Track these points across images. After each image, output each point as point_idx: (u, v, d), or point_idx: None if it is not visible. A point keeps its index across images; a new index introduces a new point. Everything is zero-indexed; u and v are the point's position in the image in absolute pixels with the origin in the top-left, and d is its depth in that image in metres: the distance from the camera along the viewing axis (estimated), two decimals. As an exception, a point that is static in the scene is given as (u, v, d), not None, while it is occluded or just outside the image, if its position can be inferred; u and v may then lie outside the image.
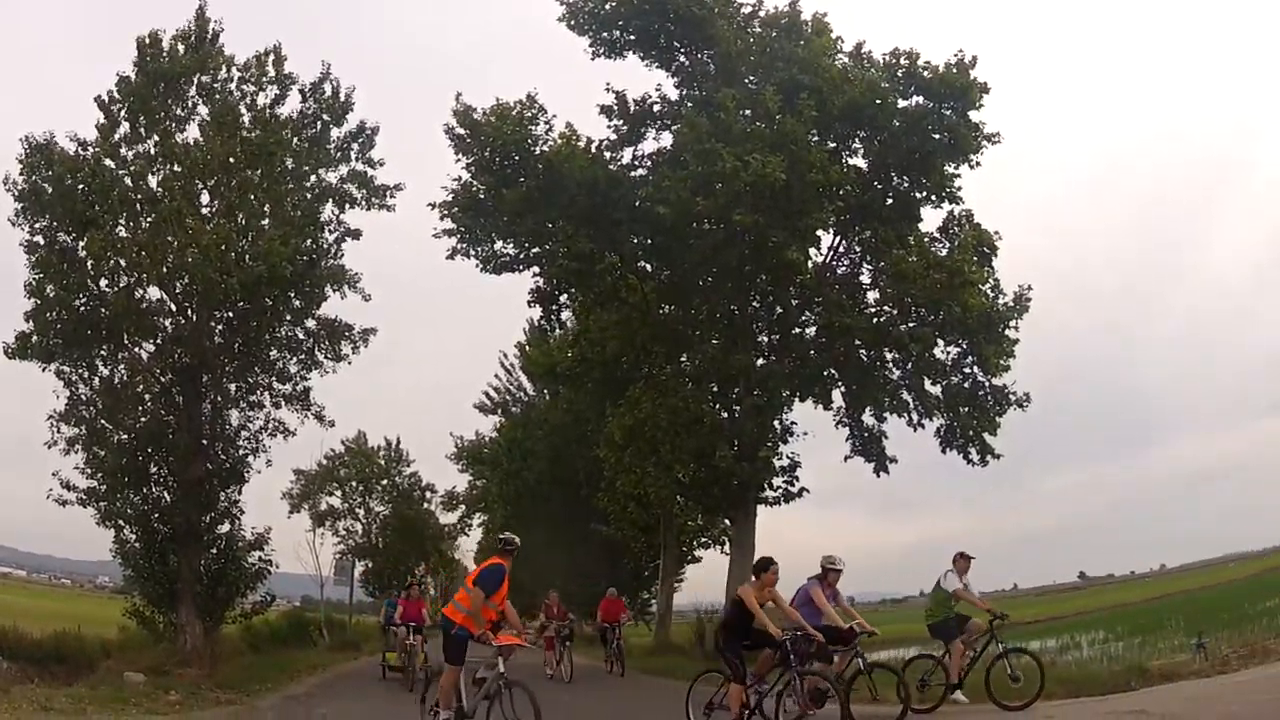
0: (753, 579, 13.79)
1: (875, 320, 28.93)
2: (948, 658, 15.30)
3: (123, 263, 24.01)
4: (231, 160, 25.11)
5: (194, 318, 25.31)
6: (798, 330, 30.41)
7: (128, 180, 24.47)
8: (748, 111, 27.39)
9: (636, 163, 30.25)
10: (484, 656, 12.91)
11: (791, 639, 12.88)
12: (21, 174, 23.62)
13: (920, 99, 27.52)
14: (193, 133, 25.68)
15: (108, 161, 24.29)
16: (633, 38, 29.19)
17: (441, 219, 29.09)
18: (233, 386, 26.57)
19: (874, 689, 14.62)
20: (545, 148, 27.92)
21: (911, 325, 28.27)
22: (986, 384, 28.43)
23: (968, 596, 15.73)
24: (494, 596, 12.74)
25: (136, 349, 25.33)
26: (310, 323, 27.24)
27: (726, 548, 34.32)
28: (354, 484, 56.05)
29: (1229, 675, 14.88)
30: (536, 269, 30.82)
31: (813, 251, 28.96)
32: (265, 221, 25.55)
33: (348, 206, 27.25)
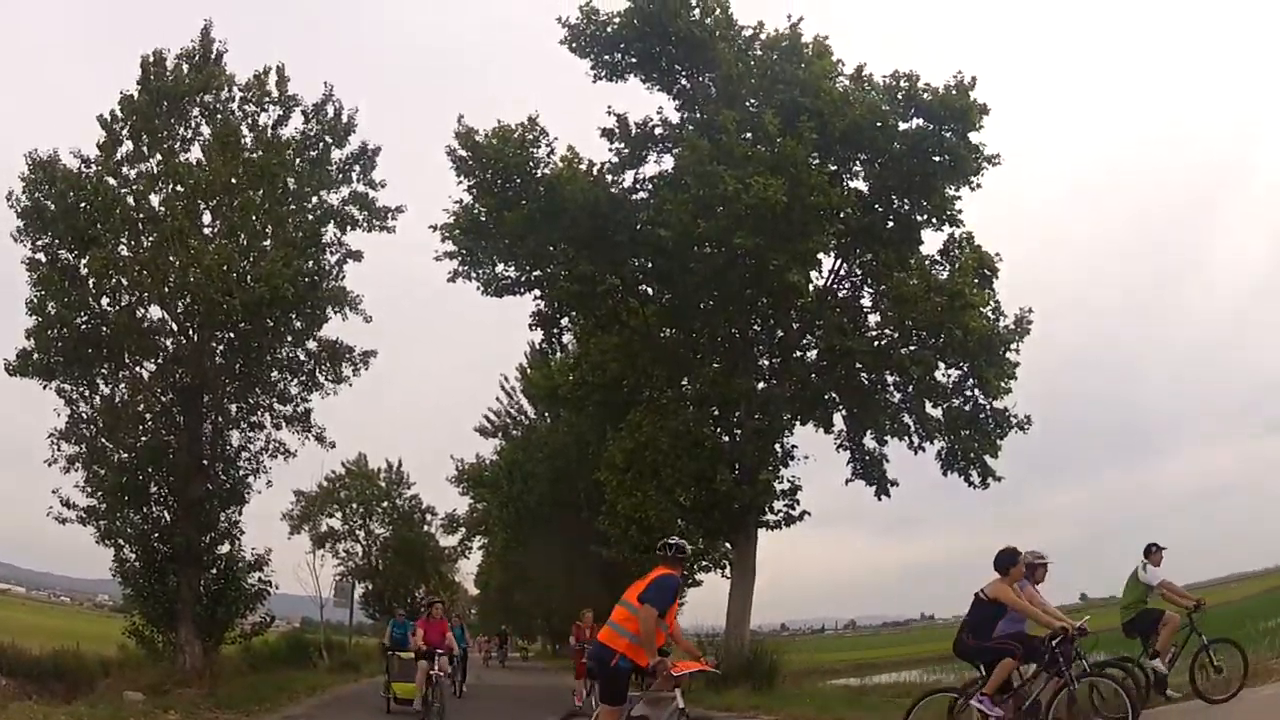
0: (998, 575, 12.29)
1: (876, 343, 28.99)
2: (1144, 656, 14.77)
3: (124, 281, 24.00)
4: (234, 181, 25.11)
5: (195, 338, 25.31)
6: (799, 353, 30.46)
7: (130, 199, 24.49)
8: (749, 134, 27.43)
9: (638, 185, 30.37)
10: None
11: (1058, 639, 11.77)
12: (24, 191, 23.68)
13: (920, 121, 27.59)
14: (195, 153, 25.77)
15: (110, 180, 24.35)
16: (634, 60, 29.29)
17: (443, 241, 29.20)
18: (233, 407, 26.54)
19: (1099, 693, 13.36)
20: (547, 170, 27.99)
21: (912, 348, 28.37)
22: (987, 407, 28.49)
23: (1174, 588, 15.18)
24: (666, 615, 10.84)
25: (137, 368, 25.31)
26: (311, 344, 27.17)
27: (727, 571, 34.25)
28: (354, 506, 56.00)
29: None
30: (538, 292, 30.90)
31: (814, 274, 29.07)
32: (267, 242, 25.55)
33: (349, 228, 27.26)
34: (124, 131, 24.93)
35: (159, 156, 25.00)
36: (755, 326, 30.75)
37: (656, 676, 10.86)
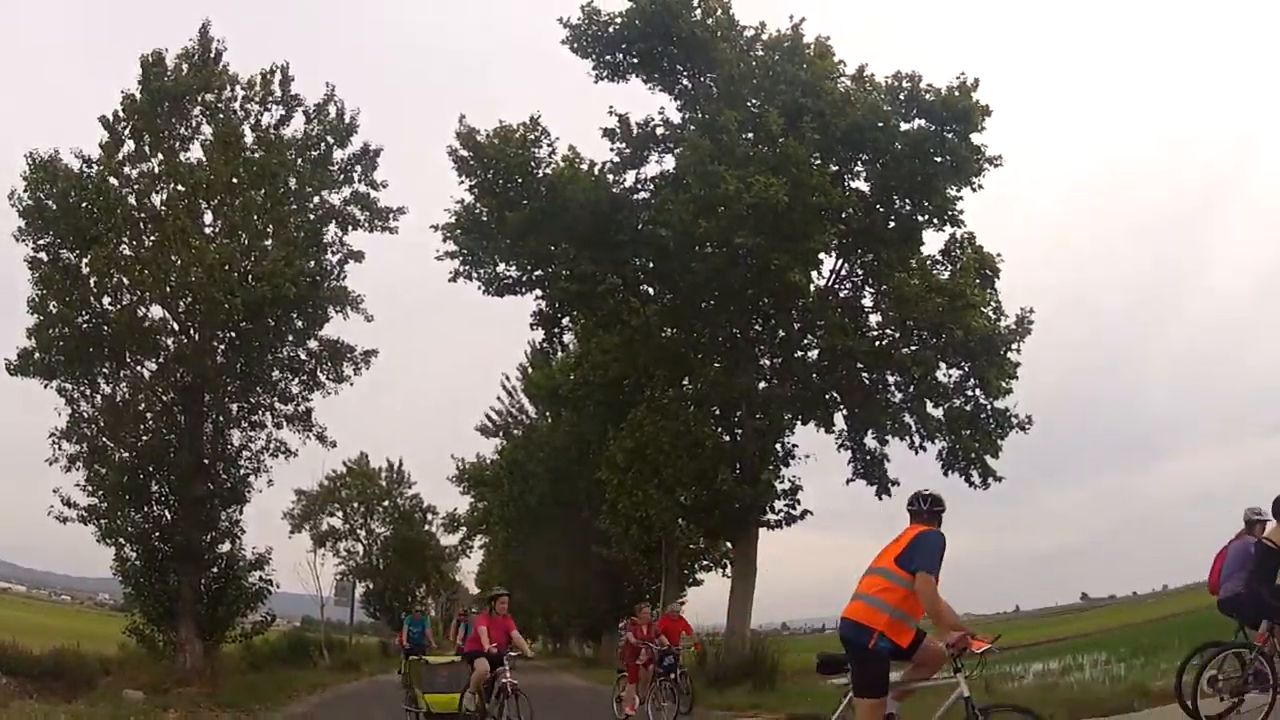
0: (1272, 522, 11.33)
1: (877, 343, 28.94)
2: None
3: (125, 280, 24.04)
4: (235, 180, 25.18)
5: (196, 337, 25.33)
6: (799, 353, 30.40)
7: (131, 198, 24.56)
8: (750, 134, 27.43)
9: (639, 185, 30.30)
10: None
11: None
12: (26, 190, 23.70)
13: (922, 122, 27.56)
14: (196, 152, 25.81)
15: (112, 179, 24.37)
16: (636, 61, 29.24)
17: (444, 241, 29.19)
18: (234, 406, 26.54)
19: None
20: (548, 170, 27.99)
21: (913, 348, 28.33)
22: (988, 406, 28.40)
23: None
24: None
25: (138, 367, 25.35)
26: (312, 344, 27.26)
27: (728, 570, 34.27)
28: (355, 505, 56.14)
29: (1231, 697, 14.77)
30: (539, 291, 30.85)
31: (815, 274, 28.98)
32: (268, 242, 25.61)
33: (350, 228, 27.32)
34: (125, 131, 24.97)
35: (160, 156, 25.06)
36: (756, 326, 30.71)
37: (956, 654, 8.30)
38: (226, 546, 26.31)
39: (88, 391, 24.80)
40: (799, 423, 30.20)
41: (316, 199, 26.97)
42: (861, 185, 29.18)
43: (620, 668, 22.00)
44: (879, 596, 8.48)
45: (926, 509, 8.93)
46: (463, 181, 28.49)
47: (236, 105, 26.37)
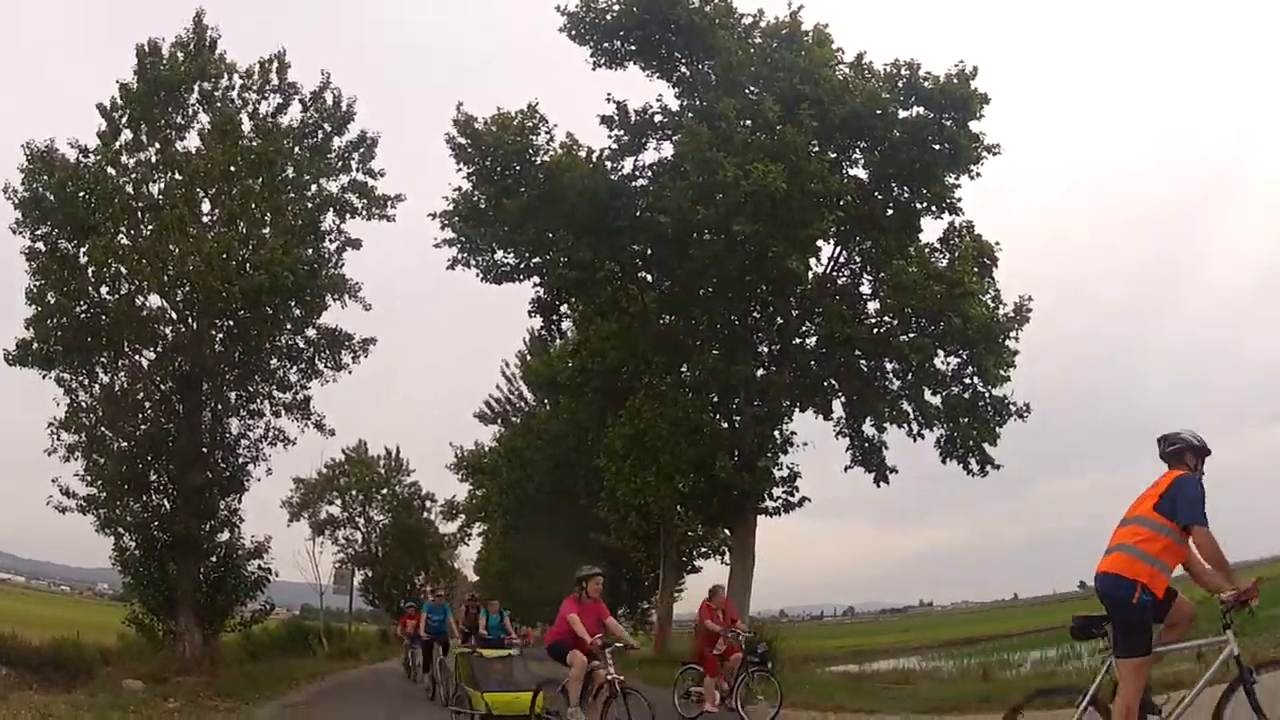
0: None
1: (875, 331, 28.93)
2: None
3: (124, 270, 23.96)
4: (232, 169, 25.09)
5: (194, 326, 25.28)
6: (798, 340, 30.42)
7: (129, 188, 24.47)
8: (748, 121, 27.43)
9: (637, 173, 30.36)
10: None
11: None
12: (23, 182, 23.65)
13: (921, 109, 27.52)
14: (194, 141, 25.73)
15: (109, 169, 24.32)
16: (634, 48, 29.28)
17: (442, 228, 29.19)
18: (233, 395, 26.49)
19: None
20: (546, 157, 27.99)
21: (911, 336, 28.27)
22: (986, 394, 28.40)
23: None
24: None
25: (137, 357, 25.27)
26: (311, 332, 27.16)
27: (726, 558, 34.29)
28: (354, 493, 56.00)
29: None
30: (537, 279, 30.88)
31: (813, 262, 28.98)
32: (266, 230, 25.51)
33: (348, 216, 27.25)
34: (122, 120, 24.91)
35: (157, 145, 25.01)
36: (755, 313, 30.72)
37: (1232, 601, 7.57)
38: (225, 535, 26.28)
39: (86, 381, 24.74)
40: (797, 410, 30.25)
41: (314, 187, 26.88)
42: (860, 172, 29.17)
43: (691, 660, 19.64)
44: (1139, 546, 7.87)
45: (1174, 449, 8.18)
46: (460, 169, 28.51)
47: (234, 94, 26.30)
